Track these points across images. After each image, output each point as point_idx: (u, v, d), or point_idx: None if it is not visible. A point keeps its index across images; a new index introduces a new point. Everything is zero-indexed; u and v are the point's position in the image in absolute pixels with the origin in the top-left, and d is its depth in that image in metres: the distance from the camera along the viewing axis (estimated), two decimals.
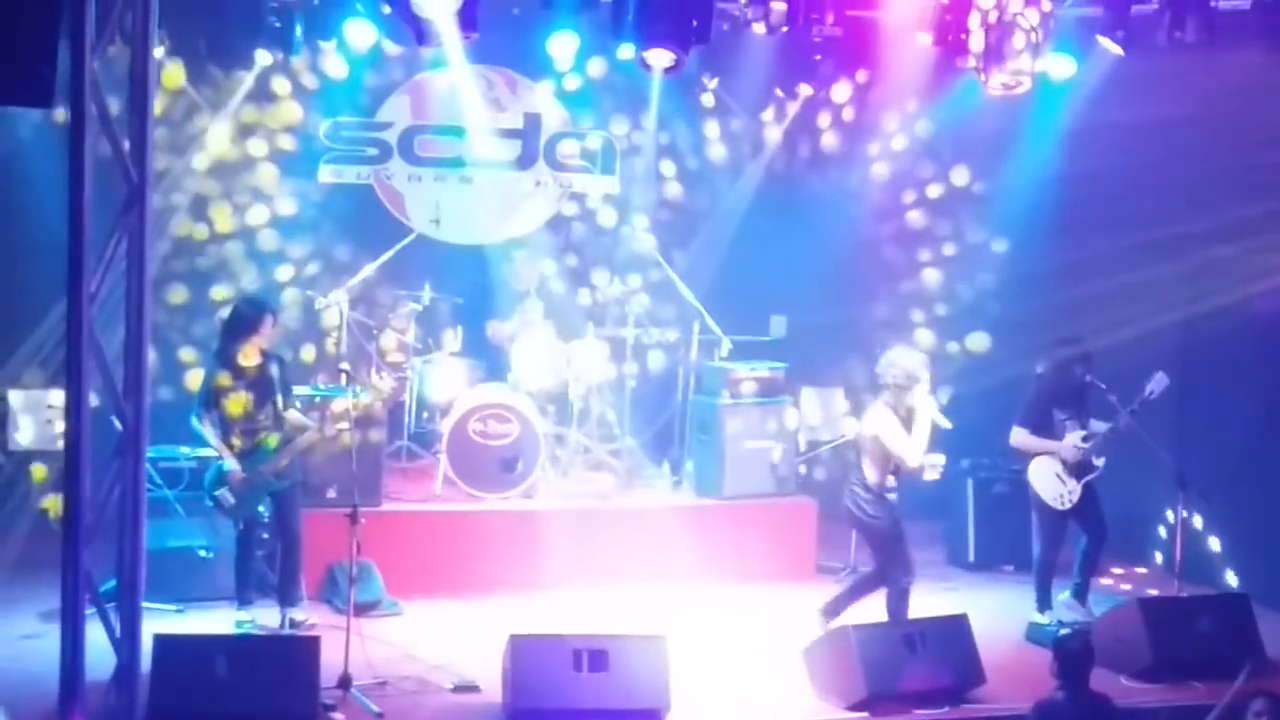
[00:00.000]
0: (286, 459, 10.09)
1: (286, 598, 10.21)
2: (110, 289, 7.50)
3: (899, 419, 10.00)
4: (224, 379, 10.06)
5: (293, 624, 9.89)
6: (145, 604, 7.66)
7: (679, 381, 13.25)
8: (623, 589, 11.30)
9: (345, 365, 10.20)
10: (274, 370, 10.12)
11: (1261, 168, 11.31)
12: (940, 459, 10.17)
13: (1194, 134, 11.65)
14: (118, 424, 7.58)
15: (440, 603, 11.20)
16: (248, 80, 12.59)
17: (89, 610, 7.24)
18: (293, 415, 10.36)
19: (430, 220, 13.54)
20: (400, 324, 13.01)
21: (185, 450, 11.20)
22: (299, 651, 9.11)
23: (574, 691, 8.97)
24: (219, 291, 12.99)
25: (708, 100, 13.90)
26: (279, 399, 10.09)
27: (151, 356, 12.15)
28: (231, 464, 10.00)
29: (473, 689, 9.49)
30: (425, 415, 12.99)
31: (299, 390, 10.83)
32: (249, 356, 10.08)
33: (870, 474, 10.15)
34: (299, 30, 11.35)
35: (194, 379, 12.88)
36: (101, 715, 7.33)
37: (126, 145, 7.37)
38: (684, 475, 12.85)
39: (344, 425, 10.19)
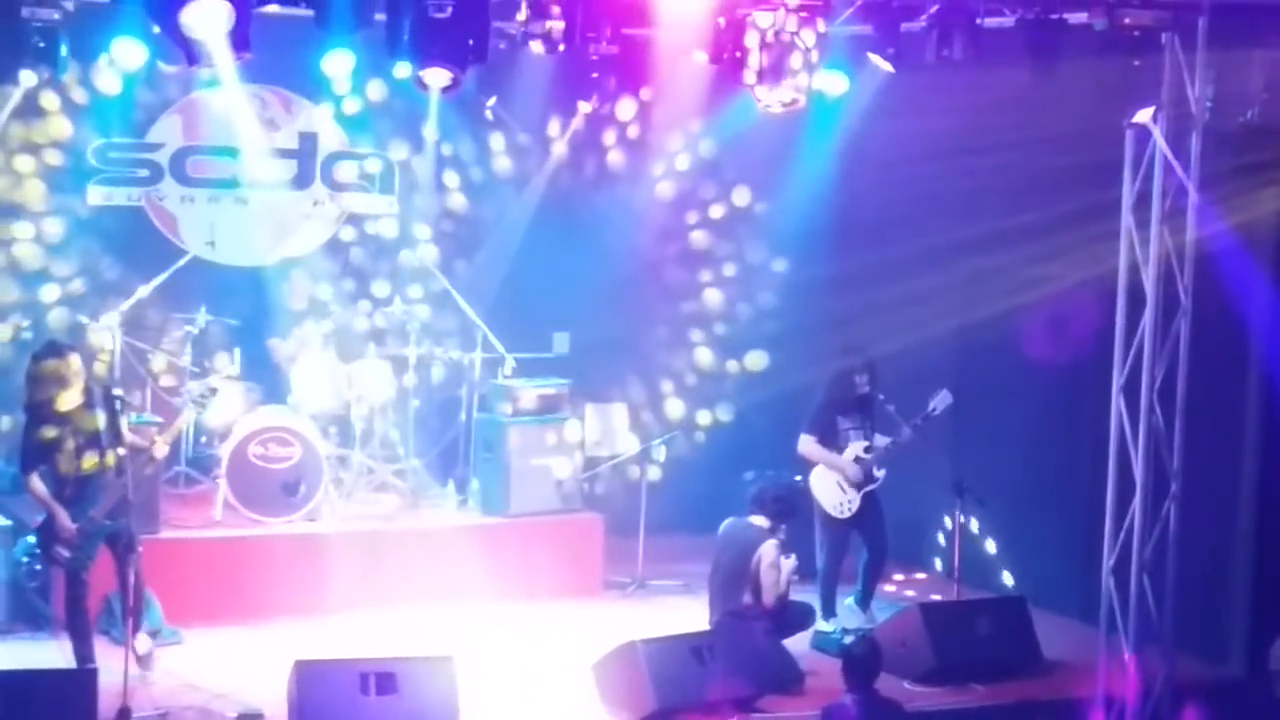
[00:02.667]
0: (116, 494, 9.49)
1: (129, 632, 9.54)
2: None
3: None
4: (48, 432, 9.49)
5: (139, 659, 9.54)
6: None
7: (463, 400, 13.19)
8: (410, 610, 11.22)
9: (119, 391, 9.91)
10: (98, 407, 9.55)
11: (1028, 180, 11.61)
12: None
13: (963, 147, 11.91)
14: None
15: (223, 630, 10.99)
16: (15, 96, 12.23)
17: None
18: (128, 438, 9.85)
19: (205, 242, 13.28)
20: (173, 347, 12.73)
21: None
22: (75, 684, 8.89)
23: (362, 716, 8.91)
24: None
25: (489, 116, 13.85)
26: (105, 436, 9.51)
27: None
28: (64, 521, 9.47)
29: (257, 717, 9.35)
30: (203, 440, 12.74)
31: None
32: (67, 402, 9.53)
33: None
34: (64, 49, 11.01)
35: None
36: None
37: None
38: (470, 494, 12.79)
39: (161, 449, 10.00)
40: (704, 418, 14.55)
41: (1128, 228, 9.68)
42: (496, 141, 14.09)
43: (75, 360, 9.60)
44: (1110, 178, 9.92)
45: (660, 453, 13.27)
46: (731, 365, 14.62)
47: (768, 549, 10.42)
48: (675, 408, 14.46)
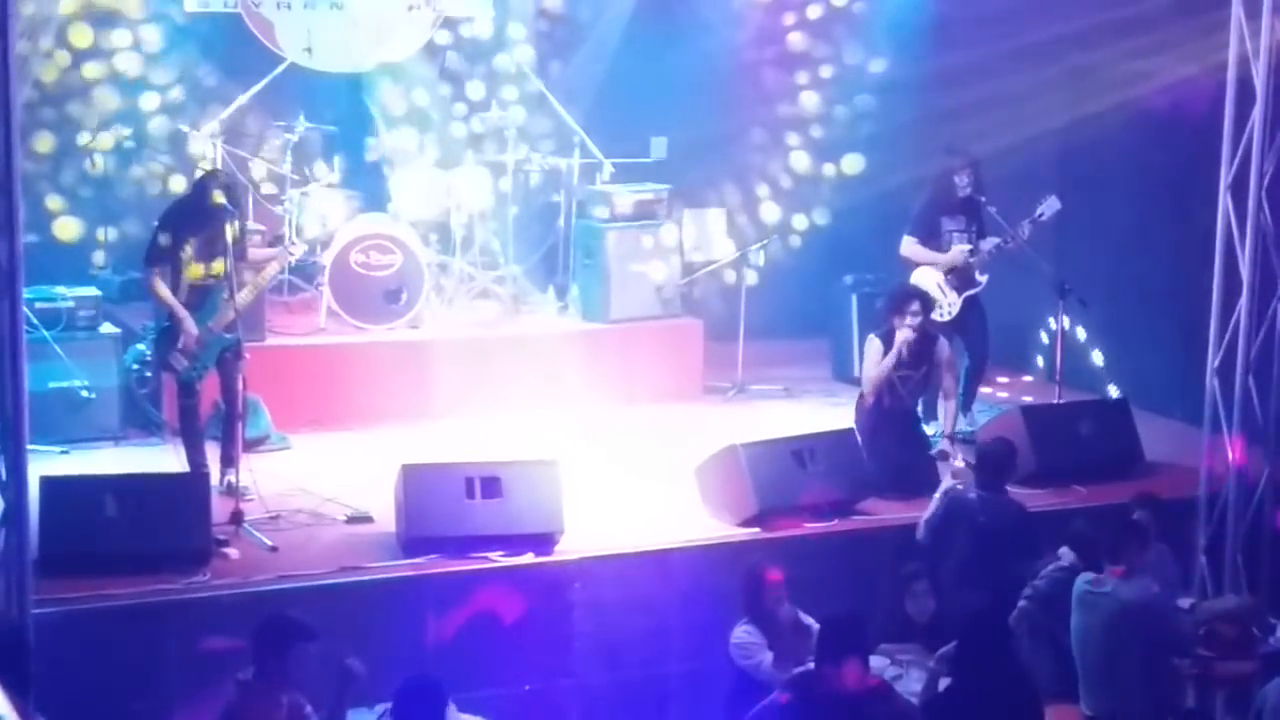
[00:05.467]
0: (238, 310, 9.61)
1: (227, 459, 9.74)
2: None
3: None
4: (176, 231, 9.66)
5: (230, 488, 9.52)
6: (29, 446, 7.58)
7: (561, 206, 13.19)
8: (512, 415, 11.33)
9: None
10: (226, 220, 9.60)
11: None
12: None
13: None
14: None
15: (329, 435, 11.18)
16: None
17: None
18: (255, 252, 10.13)
19: (302, 48, 13.24)
20: (273, 155, 12.78)
21: (62, 290, 11.03)
22: (189, 489, 9.10)
23: (468, 518, 9.05)
24: (84, 137, 12.74)
25: None
26: (230, 249, 9.57)
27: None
28: (189, 326, 9.62)
29: (366, 519, 9.54)
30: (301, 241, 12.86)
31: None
32: (202, 210, 9.61)
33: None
34: None
35: (61, 228, 12.74)
36: None
37: None
38: (569, 300, 12.84)
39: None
40: (800, 222, 14.46)
41: (1238, 19, 9.44)
42: None
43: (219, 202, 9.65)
44: None
45: (759, 257, 13.24)
46: (828, 169, 14.48)
47: (867, 345, 10.44)
48: (771, 211, 14.37)
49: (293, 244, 10.87)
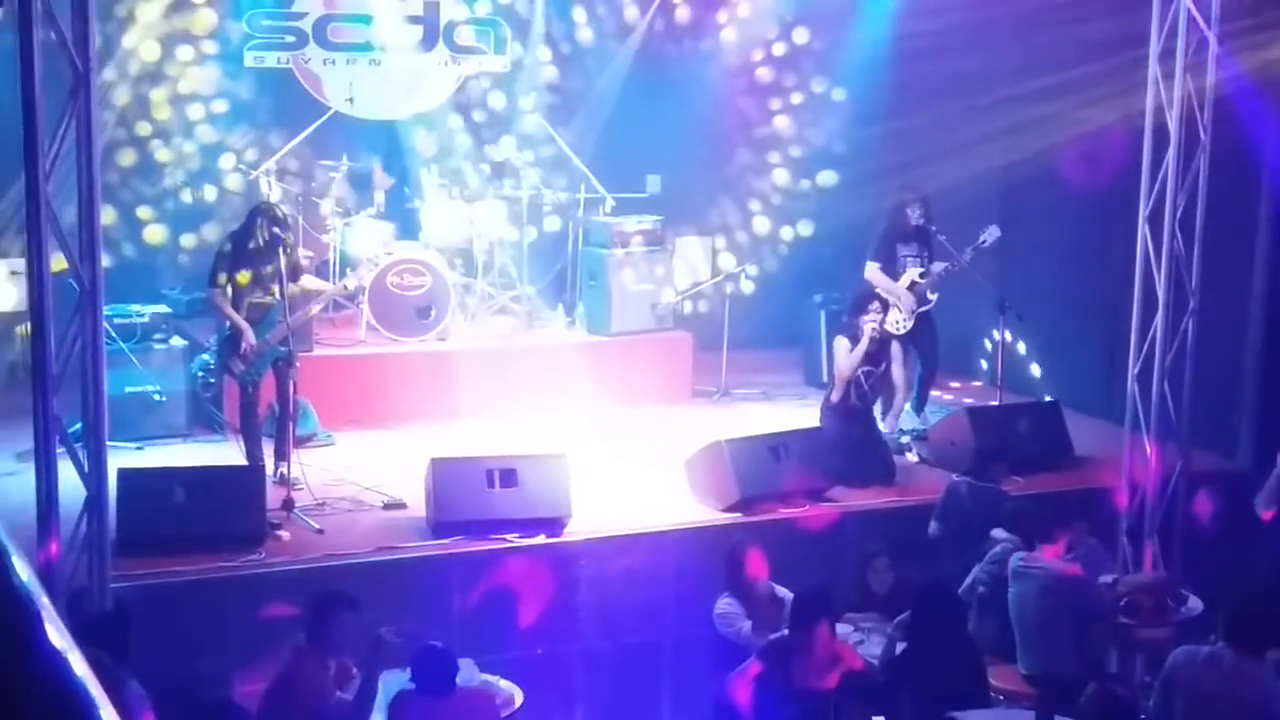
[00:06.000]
0: (290, 328, 9.66)
1: (280, 453, 9.74)
2: (64, 168, 7.31)
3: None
4: (235, 255, 9.67)
5: (282, 479, 9.54)
6: (108, 443, 7.58)
7: (569, 235, 13.21)
8: (527, 416, 11.33)
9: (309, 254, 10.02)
10: (280, 246, 9.61)
11: (1063, 42, 11.35)
12: None
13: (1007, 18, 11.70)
14: (76, 286, 7.44)
15: (368, 433, 11.19)
16: None
17: (59, 450, 7.17)
18: (308, 280, 10.11)
19: (345, 99, 13.28)
20: (319, 191, 12.78)
21: (136, 308, 11.06)
22: (247, 479, 9.12)
23: (488, 505, 9.06)
24: (163, 154, 12.82)
25: None
26: (284, 272, 9.57)
27: (112, 216, 12.13)
28: (249, 336, 9.60)
29: (400, 506, 9.55)
30: (348, 270, 12.85)
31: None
32: (259, 237, 9.62)
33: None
34: None
35: (151, 234, 12.75)
36: (76, 541, 7.29)
37: (69, 36, 7.15)
38: (576, 316, 12.86)
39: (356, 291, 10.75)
40: (786, 233, 14.46)
41: (1154, 76, 9.47)
42: (580, 15, 13.90)
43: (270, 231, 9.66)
44: (1139, 38, 9.67)
45: (740, 280, 13.27)
46: (804, 184, 14.46)
47: (835, 345, 10.44)
48: (762, 224, 14.38)
49: (346, 283, 10.84)
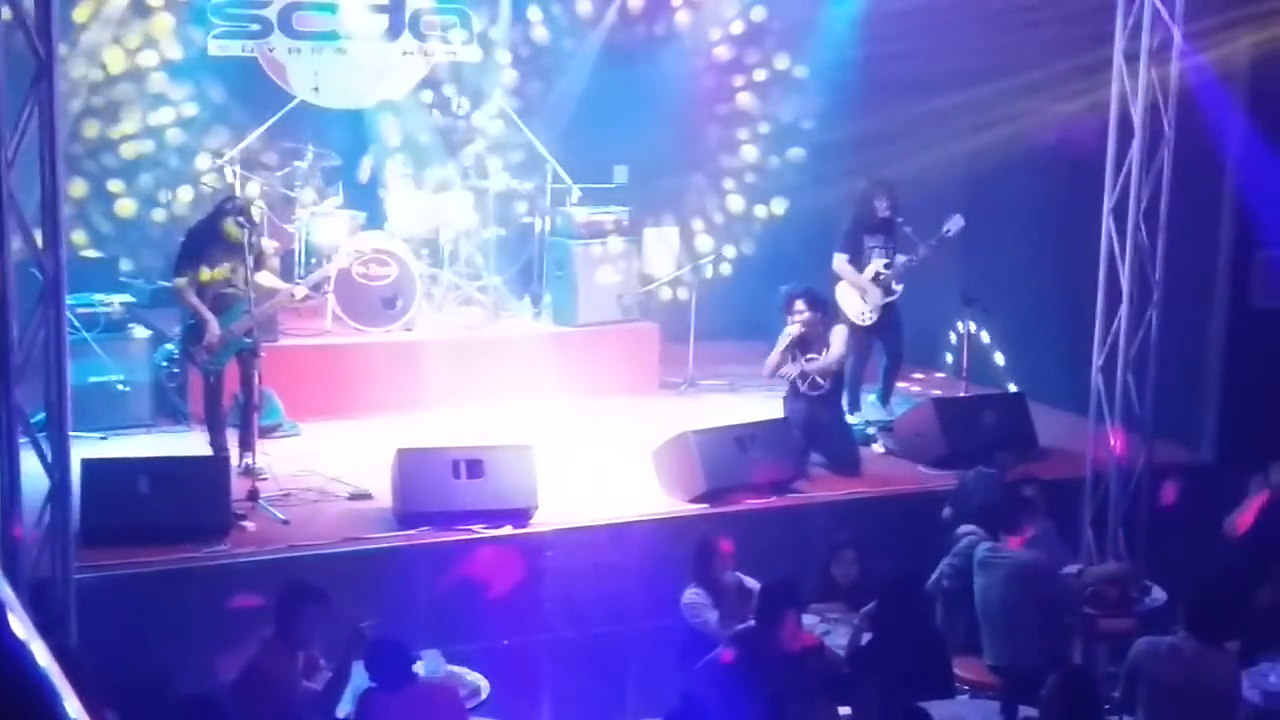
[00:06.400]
0: (255, 320, 9.62)
1: (245, 443, 9.72)
2: (26, 157, 7.25)
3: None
4: (201, 246, 9.63)
5: (247, 469, 9.51)
6: (72, 433, 7.54)
7: (536, 226, 13.18)
8: (493, 407, 11.31)
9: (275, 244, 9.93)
10: (247, 238, 9.58)
11: (1030, 39, 11.38)
12: None
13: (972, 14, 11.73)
14: (39, 275, 7.39)
15: (334, 423, 11.15)
16: None
17: (22, 440, 7.12)
18: (265, 278, 10.00)
19: (310, 88, 13.21)
20: (285, 181, 12.68)
21: (100, 297, 11.00)
22: (212, 469, 9.08)
23: (454, 496, 9.05)
24: (129, 149, 12.73)
25: None
26: (250, 263, 9.55)
27: (84, 189, 12.04)
28: (213, 327, 9.54)
29: (366, 496, 9.52)
30: (314, 261, 12.79)
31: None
32: (225, 228, 9.58)
33: None
34: None
35: (123, 207, 12.65)
36: (38, 531, 7.24)
37: (32, 23, 7.09)
38: (543, 307, 12.84)
39: (310, 293, 10.32)
40: (760, 210, 14.41)
41: (1119, 68, 9.51)
42: (535, 14, 13.85)
43: (234, 229, 9.60)
44: (1105, 30, 9.70)
45: (706, 271, 13.27)
46: (759, 210, 14.46)
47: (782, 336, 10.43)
48: (736, 202, 14.38)
49: (294, 290, 10.51)
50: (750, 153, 14.44)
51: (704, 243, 14.19)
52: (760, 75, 14.40)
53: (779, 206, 14.47)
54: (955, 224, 11.20)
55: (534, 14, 13.85)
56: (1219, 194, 10.78)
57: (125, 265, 12.60)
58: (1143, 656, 7.15)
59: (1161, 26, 9.33)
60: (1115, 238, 9.68)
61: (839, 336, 10.43)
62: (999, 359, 12.66)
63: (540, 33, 13.92)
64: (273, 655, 6.94)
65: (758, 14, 14.15)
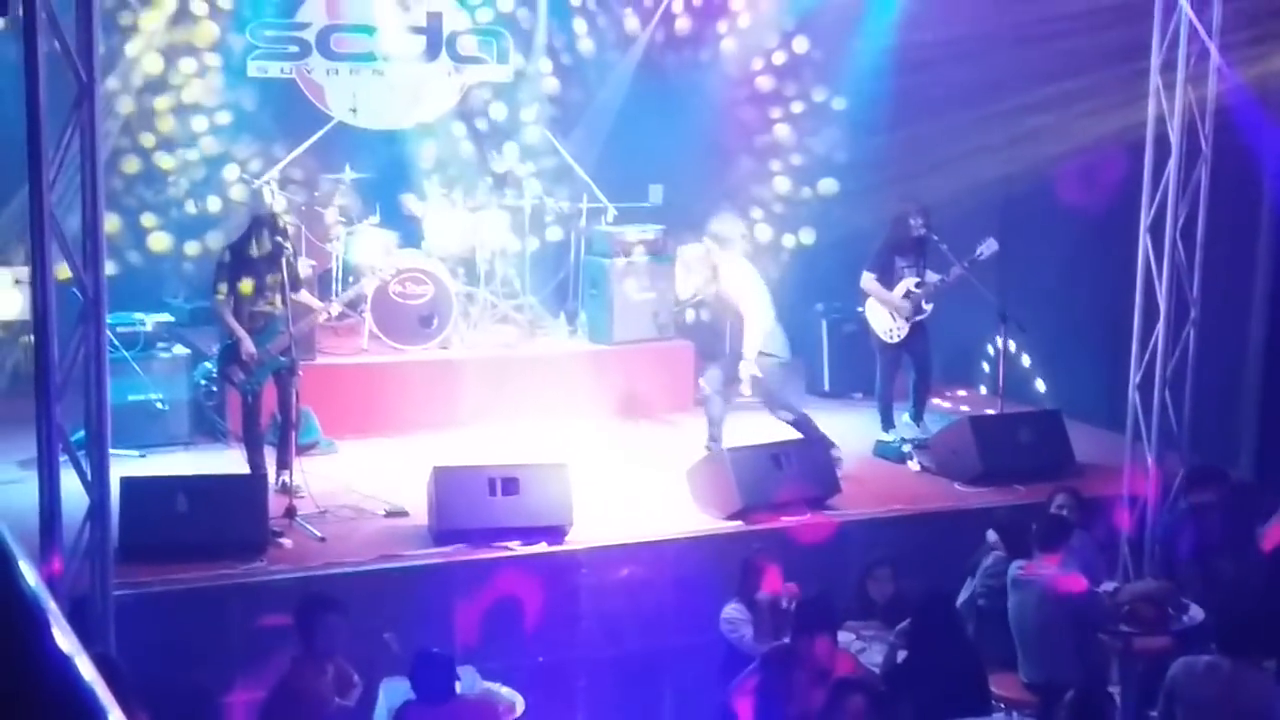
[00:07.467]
0: (291, 338, 9.65)
1: (283, 461, 9.74)
2: (67, 177, 7.34)
3: None
4: (236, 264, 9.66)
5: (285, 487, 9.55)
6: (111, 450, 7.60)
7: (571, 244, 13.22)
8: (529, 424, 11.35)
9: (290, 249, 9.92)
10: (283, 256, 9.63)
11: (1067, 54, 11.36)
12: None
13: (1009, 27, 11.69)
14: (79, 295, 7.47)
15: (371, 441, 11.20)
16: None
17: (62, 458, 7.18)
18: (304, 296, 10.04)
19: (348, 109, 13.31)
20: (322, 200, 12.78)
21: (140, 316, 11.08)
22: (249, 487, 9.12)
23: (490, 513, 9.07)
24: (166, 161, 12.77)
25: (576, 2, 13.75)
26: (286, 282, 9.56)
27: (117, 224, 12.13)
28: (248, 345, 9.57)
29: (402, 514, 9.55)
30: (351, 279, 12.85)
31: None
32: (260, 247, 9.66)
33: None
34: None
35: (155, 242, 12.74)
36: (78, 549, 7.30)
37: (73, 46, 7.18)
38: (578, 325, 12.87)
39: (347, 310, 10.27)
40: (788, 240, 14.33)
41: (1156, 86, 9.50)
42: (581, 26, 13.93)
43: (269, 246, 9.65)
44: (1139, 50, 9.70)
45: None
46: (806, 191, 14.41)
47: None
48: (763, 232, 14.31)
49: (330, 308, 10.57)
50: (782, 184, 14.39)
51: (762, 232, 14.06)
52: (798, 108, 14.39)
53: (807, 236, 14.42)
54: (989, 247, 11.17)
55: (579, 26, 13.93)
56: (1256, 211, 10.74)
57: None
58: (1180, 676, 7.12)
59: (1198, 43, 9.31)
60: (1152, 255, 9.66)
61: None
62: (1039, 383, 12.62)
63: (586, 45, 13.98)
64: (303, 671, 6.98)
65: (800, 45, 14.15)
